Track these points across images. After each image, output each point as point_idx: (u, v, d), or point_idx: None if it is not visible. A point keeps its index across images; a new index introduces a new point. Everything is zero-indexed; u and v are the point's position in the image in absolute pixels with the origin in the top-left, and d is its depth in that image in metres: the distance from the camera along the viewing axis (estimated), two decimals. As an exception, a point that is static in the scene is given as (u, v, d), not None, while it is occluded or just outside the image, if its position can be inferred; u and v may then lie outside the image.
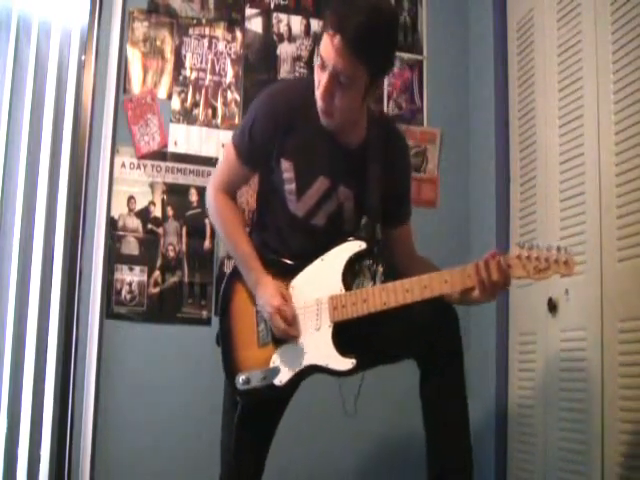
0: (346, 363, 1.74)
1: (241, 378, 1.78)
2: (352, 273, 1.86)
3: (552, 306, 2.31)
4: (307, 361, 1.77)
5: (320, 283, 1.81)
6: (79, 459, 2.44)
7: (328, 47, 1.67)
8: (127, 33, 2.73)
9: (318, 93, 1.74)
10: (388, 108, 2.97)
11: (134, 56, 2.74)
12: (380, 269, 2.72)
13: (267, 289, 1.79)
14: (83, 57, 2.65)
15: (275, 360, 1.79)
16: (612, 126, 2.06)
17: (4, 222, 2.54)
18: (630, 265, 1.97)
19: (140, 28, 2.76)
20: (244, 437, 1.86)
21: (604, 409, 2.00)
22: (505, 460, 2.57)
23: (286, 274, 1.83)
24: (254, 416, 1.85)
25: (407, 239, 2.00)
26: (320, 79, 1.72)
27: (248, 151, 1.87)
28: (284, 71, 2.88)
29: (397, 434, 2.71)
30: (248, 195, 2.54)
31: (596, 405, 2.03)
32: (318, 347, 1.77)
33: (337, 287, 1.80)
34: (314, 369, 1.77)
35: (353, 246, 1.83)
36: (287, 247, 1.88)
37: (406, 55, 3.04)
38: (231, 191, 1.94)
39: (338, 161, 1.85)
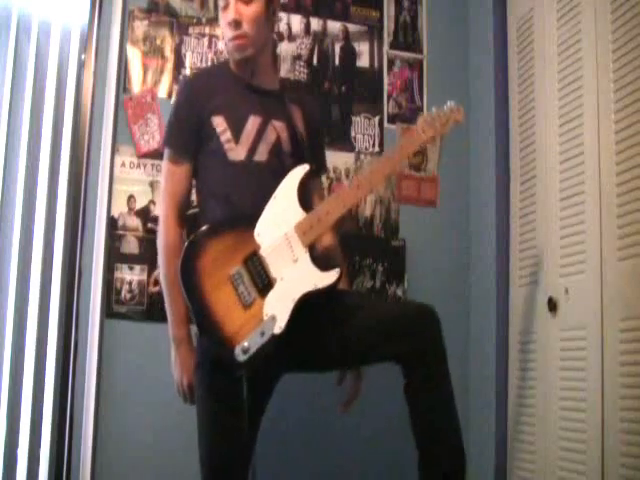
0: (331, 276, 1.81)
1: (240, 349, 1.73)
2: (306, 195, 1.96)
3: (552, 306, 2.31)
4: (297, 293, 1.79)
5: (282, 219, 1.86)
6: (79, 459, 2.44)
7: None
8: (127, 32, 2.73)
9: (228, 28, 1.95)
10: (388, 107, 2.97)
11: (134, 55, 2.74)
12: (380, 268, 2.77)
13: (185, 361, 1.98)
14: (83, 56, 2.65)
15: (267, 310, 1.78)
16: (612, 126, 2.06)
17: (4, 222, 2.54)
18: (630, 264, 1.97)
19: (140, 27, 2.75)
20: (237, 420, 1.83)
21: (604, 409, 2.00)
22: (505, 460, 2.57)
23: (248, 225, 1.86)
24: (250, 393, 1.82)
25: (318, 192, 2.12)
26: (226, 16, 1.95)
27: (179, 136, 1.99)
28: (284, 70, 2.87)
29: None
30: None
31: (596, 405, 2.04)
32: (302, 276, 1.81)
33: (298, 214, 1.87)
34: (306, 297, 1.79)
35: (298, 171, 1.92)
36: (238, 205, 1.92)
37: (406, 54, 3.04)
38: (183, 211, 2.01)
39: (262, 101, 2.00)
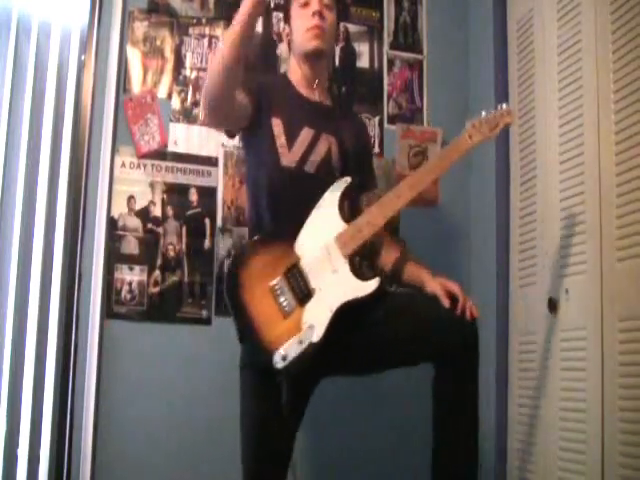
0: (371, 285, 1.85)
1: (278, 356, 1.79)
2: (349, 208, 2.02)
3: (552, 306, 2.31)
4: (337, 303, 1.83)
5: (323, 230, 1.92)
6: (79, 459, 2.44)
7: None
8: (127, 33, 2.73)
9: (311, 18, 2.05)
10: (388, 108, 2.97)
11: (134, 56, 2.74)
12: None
13: None
14: (83, 57, 2.65)
15: (306, 320, 1.83)
16: (612, 126, 2.06)
17: (4, 222, 2.54)
18: (630, 265, 1.97)
19: (140, 28, 2.75)
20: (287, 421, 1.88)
21: (604, 409, 2.00)
22: (505, 460, 2.57)
23: (291, 237, 1.92)
24: (295, 394, 1.87)
25: (371, 204, 2.14)
26: (307, 10, 2.06)
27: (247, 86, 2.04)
28: (284, 70, 2.87)
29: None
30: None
31: (596, 405, 2.03)
32: (341, 286, 1.86)
33: (339, 226, 1.92)
34: (345, 307, 1.83)
35: (340, 184, 1.97)
36: (286, 213, 1.98)
37: (406, 54, 3.04)
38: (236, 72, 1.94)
39: (316, 114, 2.10)
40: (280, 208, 1.99)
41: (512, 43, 2.73)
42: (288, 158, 2.02)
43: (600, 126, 2.11)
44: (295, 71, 2.17)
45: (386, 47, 3.01)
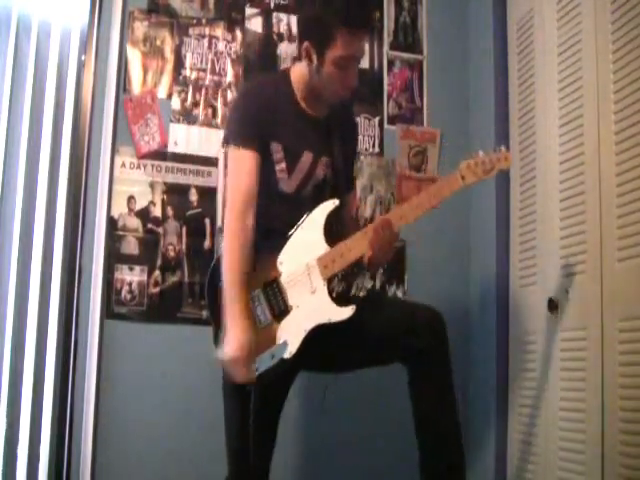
0: (346, 311, 1.84)
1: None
2: (333, 230, 1.97)
3: (552, 306, 2.31)
4: (310, 324, 1.84)
5: (305, 249, 1.91)
6: (79, 459, 2.44)
7: (351, 43, 1.90)
8: (127, 33, 2.73)
9: (347, 89, 1.99)
10: (388, 108, 2.97)
11: (134, 56, 2.74)
12: (380, 269, 2.78)
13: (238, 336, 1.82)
14: (83, 57, 2.65)
15: (281, 336, 1.84)
16: (612, 126, 2.06)
17: (4, 222, 2.54)
18: (630, 265, 1.97)
19: (140, 28, 2.76)
20: (260, 426, 1.88)
21: (604, 409, 2.00)
22: (505, 460, 2.57)
23: (272, 252, 1.92)
24: (267, 400, 1.88)
25: (352, 205, 2.22)
26: (346, 72, 1.95)
27: (247, 126, 1.96)
28: (287, 68, 2.87)
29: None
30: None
31: (596, 405, 2.03)
32: (317, 307, 1.86)
33: (322, 247, 1.91)
34: (318, 328, 1.84)
35: (327, 205, 1.95)
36: (279, 223, 1.96)
37: (406, 55, 3.04)
38: (252, 205, 1.93)
39: (315, 134, 2.02)
40: (273, 229, 1.96)
41: (512, 43, 2.73)
42: (288, 184, 1.98)
43: (600, 126, 2.11)
44: (300, 78, 2.02)
45: (386, 47, 3.01)
